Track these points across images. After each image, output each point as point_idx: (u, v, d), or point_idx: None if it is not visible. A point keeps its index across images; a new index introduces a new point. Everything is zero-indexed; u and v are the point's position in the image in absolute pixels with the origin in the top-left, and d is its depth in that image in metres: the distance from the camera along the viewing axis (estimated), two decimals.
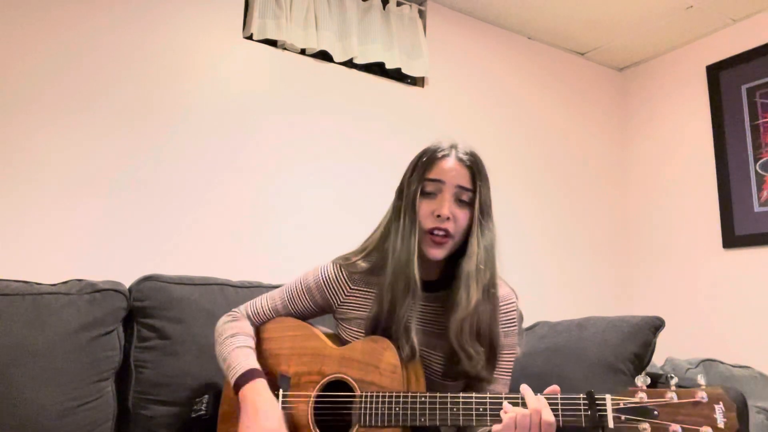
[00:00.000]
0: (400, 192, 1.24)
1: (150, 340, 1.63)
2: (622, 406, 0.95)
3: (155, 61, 2.11)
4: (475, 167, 1.20)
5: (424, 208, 1.19)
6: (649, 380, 0.96)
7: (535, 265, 2.81)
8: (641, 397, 0.95)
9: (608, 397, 0.97)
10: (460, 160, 1.20)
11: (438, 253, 1.18)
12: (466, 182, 1.19)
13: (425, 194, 1.19)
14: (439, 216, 1.16)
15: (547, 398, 1.01)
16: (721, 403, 0.90)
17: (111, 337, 1.59)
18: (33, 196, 1.85)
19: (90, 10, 2.02)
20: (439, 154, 1.21)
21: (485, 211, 1.21)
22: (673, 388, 0.94)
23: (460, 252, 1.20)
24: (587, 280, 2.98)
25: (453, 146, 1.22)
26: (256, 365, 1.22)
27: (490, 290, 1.18)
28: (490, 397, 1.05)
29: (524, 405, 1.00)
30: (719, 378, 1.88)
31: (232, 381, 1.19)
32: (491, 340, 1.18)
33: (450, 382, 1.22)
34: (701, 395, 0.91)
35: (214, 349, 1.33)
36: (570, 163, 3.06)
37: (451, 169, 1.19)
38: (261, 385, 1.17)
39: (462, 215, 1.18)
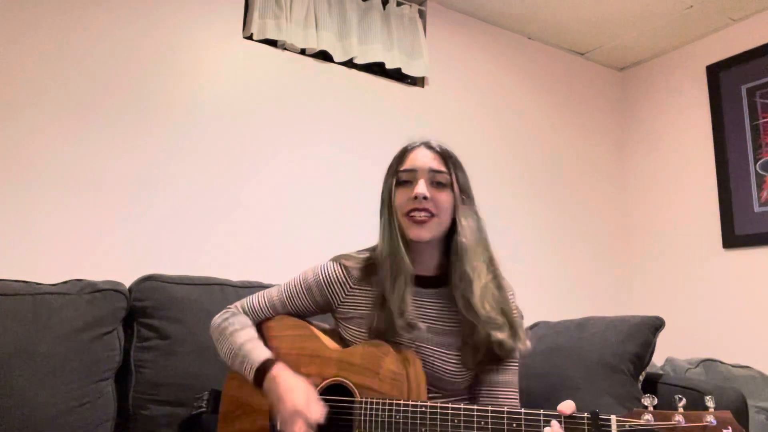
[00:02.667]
0: (381, 195, 1.27)
1: (150, 340, 1.63)
2: (627, 428, 0.92)
3: (155, 62, 2.11)
4: (446, 154, 1.23)
5: (400, 196, 1.21)
6: (656, 400, 0.93)
7: (534, 265, 2.81)
8: (647, 419, 0.92)
9: (613, 418, 0.94)
10: (430, 147, 1.24)
11: (422, 233, 1.17)
12: (438, 165, 1.21)
13: (400, 184, 1.22)
14: (416, 198, 1.17)
15: (546, 414, 0.99)
16: (730, 427, 0.88)
17: (111, 337, 1.59)
18: (33, 196, 1.85)
19: (90, 11, 2.02)
20: (410, 147, 1.25)
21: (466, 194, 1.22)
22: (681, 410, 0.91)
23: (452, 240, 1.21)
24: (587, 280, 2.98)
25: (424, 140, 1.26)
26: (270, 354, 1.21)
27: (489, 265, 1.21)
28: (492, 410, 1.03)
29: (527, 421, 0.99)
30: (719, 378, 1.88)
31: (251, 376, 1.18)
32: (504, 308, 1.19)
33: (464, 373, 1.20)
34: (709, 419, 0.89)
35: (215, 348, 1.31)
36: (570, 162, 3.06)
37: (421, 157, 1.22)
38: (279, 371, 1.16)
39: (442, 196, 1.20)
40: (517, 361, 1.24)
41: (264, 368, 1.17)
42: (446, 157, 1.22)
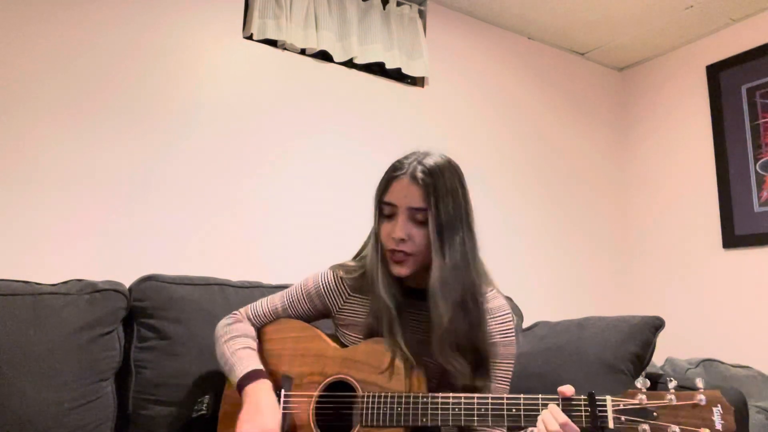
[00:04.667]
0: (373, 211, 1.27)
1: (150, 340, 1.63)
2: (622, 407, 0.98)
3: (155, 61, 2.11)
4: (429, 186, 1.15)
5: (384, 230, 1.21)
6: (648, 383, 0.99)
7: (534, 265, 2.81)
8: (641, 398, 0.97)
9: (608, 398, 0.99)
10: (414, 178, 1.16)
11: (401, 271, 1.19)
12: (417, 202, 1.15)
13: (383, 216, 1.21)
14: (394, 238, 1.17)
15: (544, 398, 1.02)
16: (719, 405, 0.93)
17: (111, 337, 1.59)
18: (33, 196, 1.85)
19: (89, 11, 2.02)
20: (395, 174, 1.18)
21: (447, 227, 1.15)
22: (672, 390, 0.97)
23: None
24: (587, 280, 2.98)
25: (413, 162, 1.18)
26: (260, 366, 1.23)
27: (466, 304, 1.17)
28: (492, 398, 1.07)
29: (526, 405, 1.02)
30: (719, 378, 1.88)
31: (236, 382, 1.21)
32: (475, 347, 1.18)
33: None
34: (700, 398, 0.94)
35: (214, 350, 1.33)
36: (570, 163, 3.06)
37: (402, 190, 1.17)
38: (265, 386, 1.19)
39: (418, 234, 1.17)
40: (507, 379, 1.24)
41: (250, 378, 1.19)
42: (429, 190, 1.15)
